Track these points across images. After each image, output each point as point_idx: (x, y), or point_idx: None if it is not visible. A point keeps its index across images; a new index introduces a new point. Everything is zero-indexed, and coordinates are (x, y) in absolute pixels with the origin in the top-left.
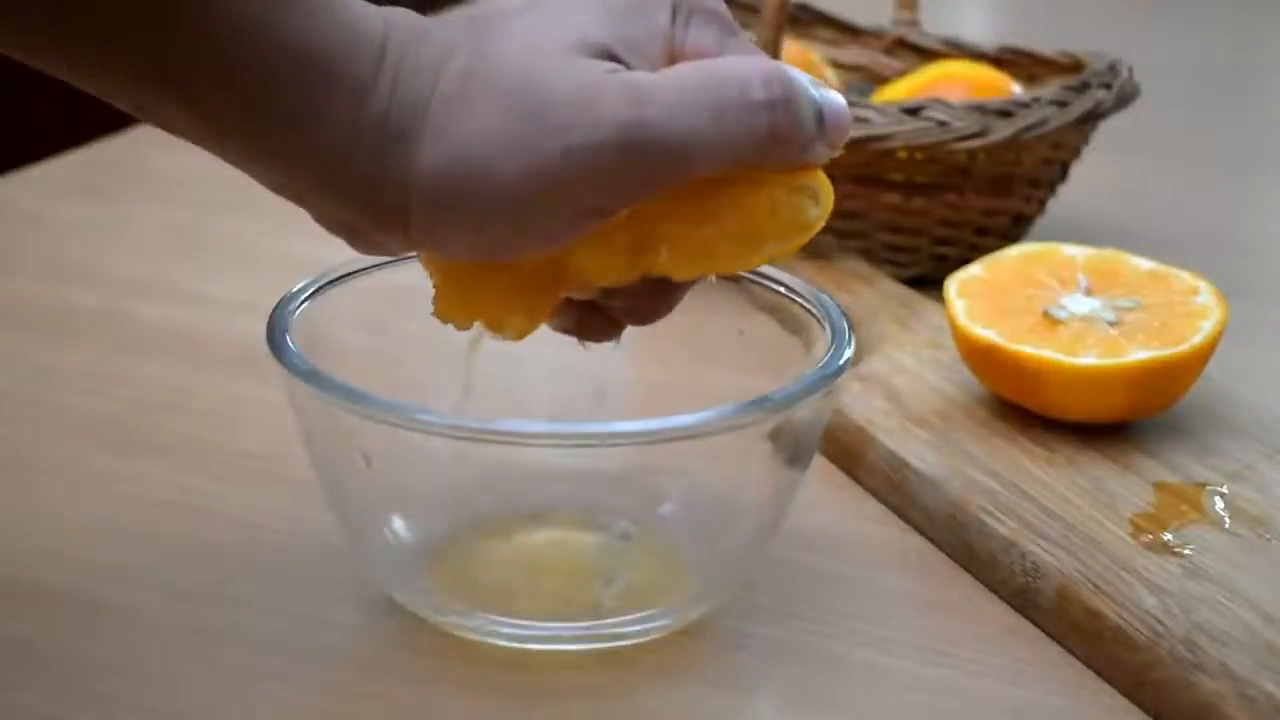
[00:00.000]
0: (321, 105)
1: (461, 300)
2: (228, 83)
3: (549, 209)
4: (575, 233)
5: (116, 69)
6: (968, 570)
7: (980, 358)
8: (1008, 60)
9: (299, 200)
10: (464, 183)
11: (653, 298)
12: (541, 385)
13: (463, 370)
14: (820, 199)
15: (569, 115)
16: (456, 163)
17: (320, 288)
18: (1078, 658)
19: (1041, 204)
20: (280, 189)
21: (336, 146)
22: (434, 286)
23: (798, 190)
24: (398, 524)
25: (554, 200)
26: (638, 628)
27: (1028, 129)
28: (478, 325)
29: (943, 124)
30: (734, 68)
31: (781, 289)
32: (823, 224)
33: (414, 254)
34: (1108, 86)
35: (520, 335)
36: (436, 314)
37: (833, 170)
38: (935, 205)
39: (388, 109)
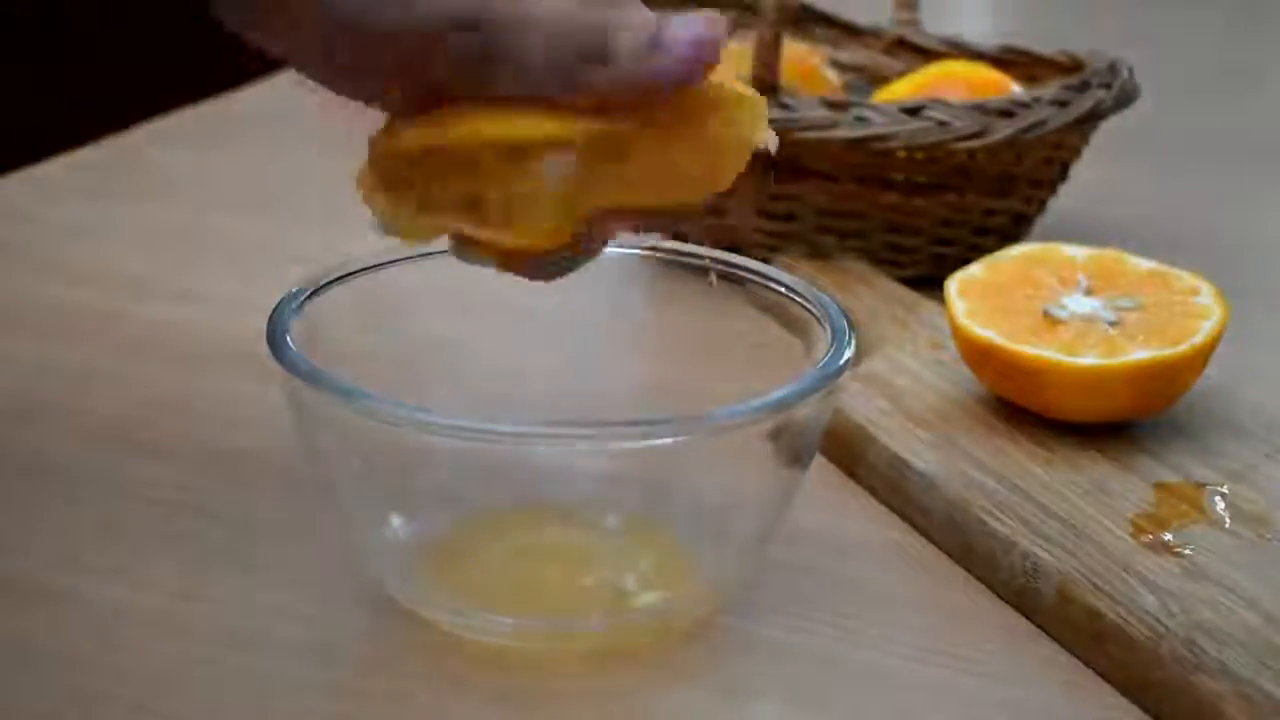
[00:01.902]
0: None
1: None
2: None
3: None
4: None
5: None
6: (968, 570)
7: (980, 358)
8: (1008, 60)
9: None
10: None
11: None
12: (543, 383)
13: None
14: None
15: None
16: None
17: (320, 288)
18: (1078, 658)
19: (1041, 204)
20: None
21: None
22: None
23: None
24: (397, 523)
25: None
26: (638, 627)
27: (1028, 129)
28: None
29: (943, 124)
30: None
31: (782, 289)
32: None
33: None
34: (1108, 86)
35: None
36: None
37: (834, 170)
38: (935, 205)
39: None
